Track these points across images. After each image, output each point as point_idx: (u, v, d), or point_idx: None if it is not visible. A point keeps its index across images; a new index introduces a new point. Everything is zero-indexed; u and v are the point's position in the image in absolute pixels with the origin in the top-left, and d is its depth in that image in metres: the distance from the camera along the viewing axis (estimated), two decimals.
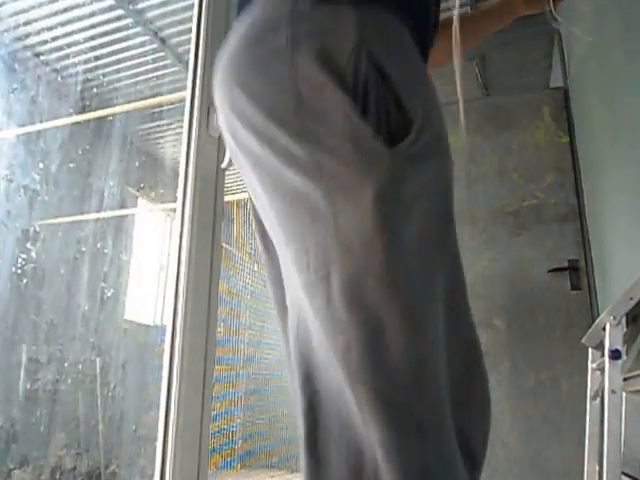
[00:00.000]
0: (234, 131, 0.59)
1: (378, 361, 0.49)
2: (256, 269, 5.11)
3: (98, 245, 4.59)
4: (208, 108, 1.11)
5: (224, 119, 0.61)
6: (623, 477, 1.42)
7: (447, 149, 0.58)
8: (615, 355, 1.27)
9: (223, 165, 1.12)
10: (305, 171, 0.53)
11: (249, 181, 0.61)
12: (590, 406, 1.59)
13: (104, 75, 4.29)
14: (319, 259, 0.51)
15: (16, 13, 3.69)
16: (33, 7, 3.62)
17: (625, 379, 1.38)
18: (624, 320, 1.28)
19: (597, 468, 1.56)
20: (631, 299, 1.24)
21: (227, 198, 4.42)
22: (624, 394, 1.50)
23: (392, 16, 0.58)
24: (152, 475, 0.95)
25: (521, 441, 2.19)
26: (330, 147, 0.52)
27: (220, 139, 1.12)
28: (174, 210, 1.18)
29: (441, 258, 0.55)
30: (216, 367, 1.11)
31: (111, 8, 3.61)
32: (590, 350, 1.62)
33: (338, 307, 0.50)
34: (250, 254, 5.03)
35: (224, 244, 4.45)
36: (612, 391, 1.26)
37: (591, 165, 2.19)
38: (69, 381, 4.16)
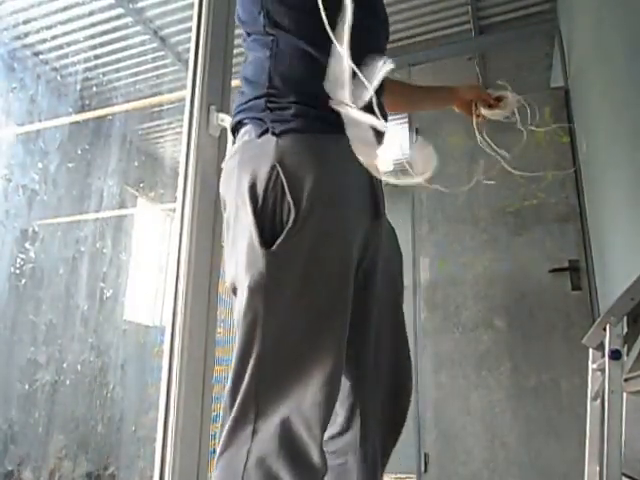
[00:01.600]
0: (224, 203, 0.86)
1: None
2: None
3: (97, 245, 4.59)
4: (208, 108, 1.11)
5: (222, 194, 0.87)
6: (623, 478, 1.41)
7: (334, 237, 0.77)
8: (615, 355, 1.27)
9: (223, 165, 1.12)
10: (230, 257, 0.80)
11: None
12: (590, 407, 1.59)
13: (104, 74, 4.29)
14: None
15: (15, 12, 3.68)
16: (32, 6, 3.61)
17: (626, 379, 1.38)
18: (624, 320, 1.28)
19: (597, 469, 1.56)
20: (632, 299, 1.23)
21: None
22: (625, 394, 1.50)
23: (306, 138, 0.80)
24: (151, 477, 0.94)
25: (521, 441, 2.18)
26: (240, 243, 0.77)
27: (220, 139, 1.12)
28: (174, 210, 1.18)
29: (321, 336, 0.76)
30: (216, 368, 1.10)
31: (110, 7, 3.60)
32: (590, 350, 1.62)
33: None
34: None
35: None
36: (612, 392, 1.26)
37: (592, 165, 2.19)
38: (68, 382, 4.16)
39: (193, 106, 1.10)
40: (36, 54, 4.08)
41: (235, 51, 1.27)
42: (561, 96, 2.61)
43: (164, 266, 5.39)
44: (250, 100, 0.84)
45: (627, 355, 1.32)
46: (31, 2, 3.58)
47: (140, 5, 3.63)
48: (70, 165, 4.47)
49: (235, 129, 0.88)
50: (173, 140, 5.04)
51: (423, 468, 2.35)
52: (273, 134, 0.78)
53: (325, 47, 0.66)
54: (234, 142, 0.88)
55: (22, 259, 4.04)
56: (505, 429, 2.20)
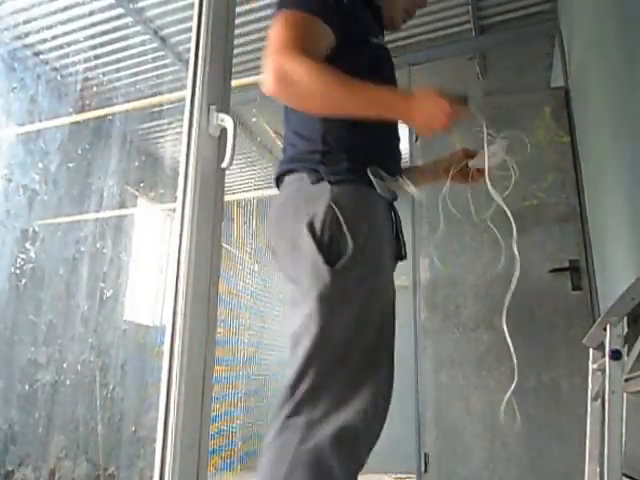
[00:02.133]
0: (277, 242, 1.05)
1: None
2: (256, 269, 5.10)
3: (97, 245, 4.59)
4: (208, 108, 1.10)
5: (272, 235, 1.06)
6: (624, 478, 1.41)
7: (372, 268, 0.95)
8: (616, 356, 1.26)
9: (223, 165, 1.12)
10: (291, 280, 0.97)
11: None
12: (591, 407, 1.59)
13: (104, 74, 4.29)
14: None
15: (16, 12, 3.68)
16: (33, 5, 3.61)
17: (626, 380, 1.38)
18: (625, 320, 1.28)
19: (597, 469, 1.56)
20: (632, 299, 1.23)
21: (227, 198, 4.42)
22: (625, 395, 1.49)
23: (353, 187, 0.98)
24: (151, 477, 0.94)
25: (521, 442, 2.18)
26: (303, 270, 0.93)
27: (220, 139, 1.12)
28: (174, 210, 1.18)
29: (360, 333, 0.92)
30: (216, 368, 1.10)
31: (111, 7, 3.60)
32: (591, 350, 1.61)
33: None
34: (250, 254, 5.03)
35: (224, 244, 4.45)
36: (612, 392, 1.26)
37: (592, 165, 2.19)
38: (68, 382, 4.16)
39: (193, 106, 1.10)
40: (36, 54, 4.08)
41: (235, 51, 1.27)
42: (561, 96, 2.61)
43: (164, 266, 5.39)
44: (304, 153, 1.02)
45: (627, 355, 1.32)
46: (31, 2, 3.58)
47: (140, 5, 3.63)
48: (70, 165, 4.47)
49: (284, 174, 1.04)
50: (173, 140, 5.04)
51: (423, 468, 2.35)
52: (328, 182, 0.96)
53: None
54: (278, 182, 1.06)
55: (22, 259, 4.04)
56: (505, 429, 2.20)
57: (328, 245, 0.91)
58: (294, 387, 0.87)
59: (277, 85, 0.91)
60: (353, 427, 0.84)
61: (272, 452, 0.87)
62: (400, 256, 1.09)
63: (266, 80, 0.91)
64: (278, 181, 1.08)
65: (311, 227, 0.92)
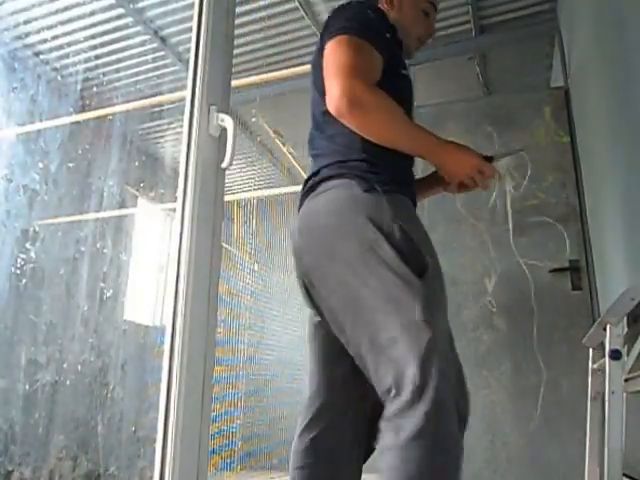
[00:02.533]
0: (322, 265, 1.06)
1: None
2: (256, 269, 5.10)
3: (98, 245, 4.59)
4: (208, 108, 1.10)
5: (309, 250, 1.08)
6: (624, 478, 1.41)
7: (441, 274, 1.04)
8: (615, 355, 1.27)
9: (223, 165, 1.12)
10: (376, 291, 0.97)
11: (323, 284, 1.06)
12: (591, 407, 1.59)
13: (104, 74, 4.29)
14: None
15: (16, 12, 3.68)
16: (33, 6, 3.61)
17: (626, 380, 1.38)
18: (625, 320, 1.28)
19: (598, 469, 1.56)
20: (632, 299, 1.23)
21: (227, 198, 4.42)
22: (624, 395, 1.49)
23: (401, 196, 1.06)
24: (152, 477, 0.94)
25: (522, 441, 2.18)
26: (389, 279, 0.96)
27: (220, 139, 1.12)
28: (174, 210, 1.18)
29: (444, 321, 1.01)
30: (216, 368, 1.09)
31: (111, 7, 3.60)
32: (591, 350, 1.61)
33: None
34: (250, 254, 5.03)
35: (224, 244, 4.44)
36: (612, 392, 1.26)
37: (592, 165, 2.19)
38: (68, 382, 4.16)
39: (193, 106, 1.10)
40: (37, 54, 4.08)
41: (235, 51, 1.27)
42: (561, 96, 2.61)
43: (164, 266, 5.39)
44: (349, 161, 1.06)
45: (627, 355, 1.32)
46: (32, 2, 3.58)
47: (140, 5, 3.63)
48: (70, 165, 4.47)
49: (326, 179, 1.07)
50: (173, 140, 5.04)
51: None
52: (383, 192, 1.02)
53: None
54: (316, 186, 1.09)
55: (23, 259, 4.05)
56: (506, 429, 2.20)
57: (409, 257, 0.97)
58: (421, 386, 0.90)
59: (348, 108, 0.98)
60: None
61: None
62: None
63: (336, 100, 0.99)
64: (314, 186, 1.10)
65: (389, 238, 0.97)
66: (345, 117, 1.00)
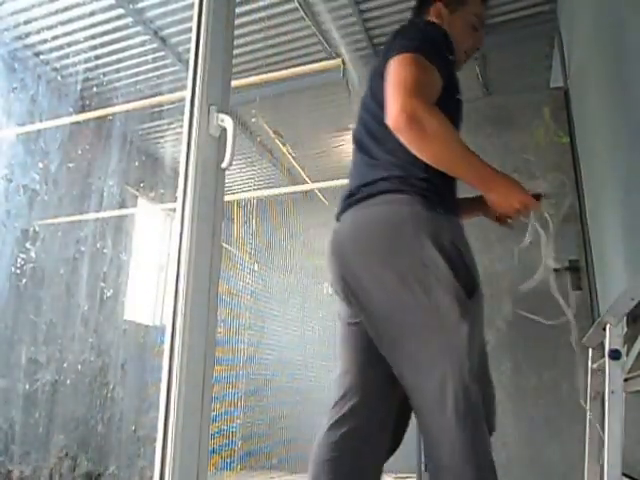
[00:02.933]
0: (371, 273, 1.08)
1: None
2: (256, 269, 5.11)
3: (98, 245, 4.59)
4: (208, 108, 1.11)
5: (358, 269, 1.10)
6: (624, 478, 1.41)
7: (481, 293, 1.11)
8: (615, 355, 1.27)
9: (223, 165, 1.12)
10: (427, 307, 1.02)
11: (368, 293, 1.09)
12: (590, 407, 1.59)
13: (104, 74, 4.29)
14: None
15: (16, 12, 3.68)
16: (33, 6, 3.61)
17: (625, 379, 1.38)
18: (624, 321, 1.28)
19: (598, 469, 1.56)
20: (632, 299, 1.22)
21: (227, 198, 4.42)
22: (624, 395, 1.49)
23: (456, 217, 1.13)
24: (152, 476, 0.94)
25: (522, 441, 2.18)
26: (442, 298, 1.01)
27: (220, 139, 1.12)
28: (174, 210, 1.18)
29: (481, 337, 1.10)
30: (216, 368, 1.09)
31: (111, 7, 3.61)
32: (590, 350, 1.61)
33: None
34: (250, 254, 5.03)
35: (224, 244, 4.44)
36: (612, 392, 1.26)
37: (591, 165, 2.19)
38: (68, 382, 4.16)
39: (193, 106, 1.10)
40: (37, 54, 4.08)
41: (235, 51, 1.27)
42: (561, 96, 2.61)
43: (164, 266, 5.39)
44: (411, 177, 1.07)
45: (627, 355, 1.32)
46: (32, 2, 3.58)
47: (140, 6, 3.63)
48: (70, 165, 4.47)
49: (386, 191, 1.09)
50: (173, 140, 5.04)
51: (423, 468, 2.35)
52: (443, 212, 1.07)
53: None
54: (372, 196, 1.09)
55: (23, 259, 4.05)
56: (506, 429, 2.20)
57: (462, 277, 1.03)
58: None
59: (408, 126, 1.00)
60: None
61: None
62: None
63: (395, 117, 1.01)
64: (370, 195, 1.11)
65: (444, 257, 1.02)
66: (402, 134, 1.01)
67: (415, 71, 1.04)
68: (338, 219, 1.18)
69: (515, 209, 1.11)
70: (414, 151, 1.03)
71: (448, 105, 1.10)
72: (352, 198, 1.15)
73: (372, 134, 1.19)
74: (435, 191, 1.08)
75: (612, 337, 1.28)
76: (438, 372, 0.99)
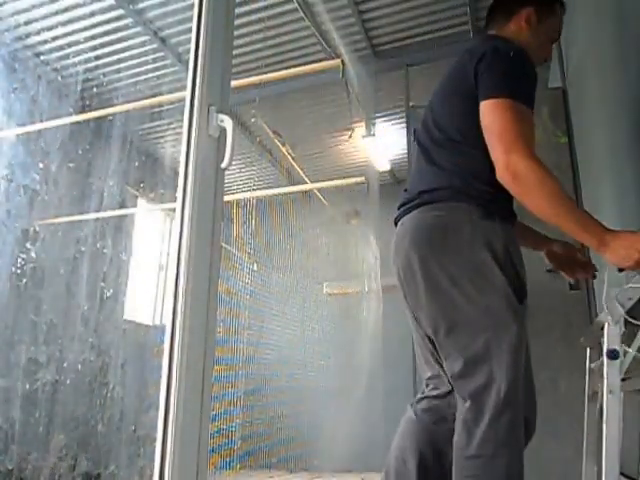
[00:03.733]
0: (427, 270, 1.15)
1: None
2: (255, 269, 5.11)
3: (98, 245, 4.59)
4: (208, 108, 1.11)
5: (417, 267, 1.17)
6: (622, 478, 1.41)
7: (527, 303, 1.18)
8: (613, 355, 1.27)
9: (223, 165, 1.12)
10: (478, 307, 1.10)
11: (419, 293, 1.19)
12: (588, 406, 1.59)
13: (104, 75, 4.29)
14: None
15: (17, 12, 3.69)
16: (34, 7, 3.62)
17: (623, 379, 1.38)
18: (622, 320, 1.28)
19: (595, 469, 1.56)
20: (629, 299, 1.23)
21: (227, 198, 4.42)
22: (622, 394, 1.50)
23: (511, 227, 1.18)
24: (151, 475, 0.95)
25: None
26: (495, 300, 1.10)
27: (220, 139, 1.12)
28: (174, 210, 1.18)
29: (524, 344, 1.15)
30: (215, 367, 1.10)
31: (111, 8, 3.61)
32: (588, 350, 1.62)
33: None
34: (249, 254, 5.04)
35: (224, 244, 4.45)
36: (610, 391, 1.26)
37: (589, 165, 2.19)
38: (68, 381, 4.16)
39: (193, 106, 1.11)
40: (37, 55, 4.09)
41: (235, 52, 1.27)
42: (559, 96, 2.62)
43: (164, 266, 5.39)
44: (472, 188, 1.15)
45: (624, 355, 1.32)
46: (32, 3, 3.59)
47: (140, 6, 3.64)
48: (71, 165, 4.47)
49: (448, 199, 1.16)
50: (173, 140, 5.05)
51: None
52: (498, 221, 1.14)
53: None
54: (434, 201, 1.17)
55: (23, 259, 4.05)
56: None
57: (512, 282, 1.11)
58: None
59: (512, 184, 1.08)
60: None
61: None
62: None
63: (501, 174, 1.09)
64: (432, 201, 1.18)
65: (498, 263, 1.10)
66: (509, 188, 1.09)
67: (513, 121, 1.09)
68: (397, 223, 1.26)
69: (636, 262, 1.04)
70: (519, 200, 1.10)
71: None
72: (412, 203, 1.21)
73: (436, 141, 1.24)
74: (491, 200, 1.14)
75: (610, 337, 1.28)
76: (487, 367, 1.07)
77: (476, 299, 1.10)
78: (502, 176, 1.09)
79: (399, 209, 1.27)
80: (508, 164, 1.06)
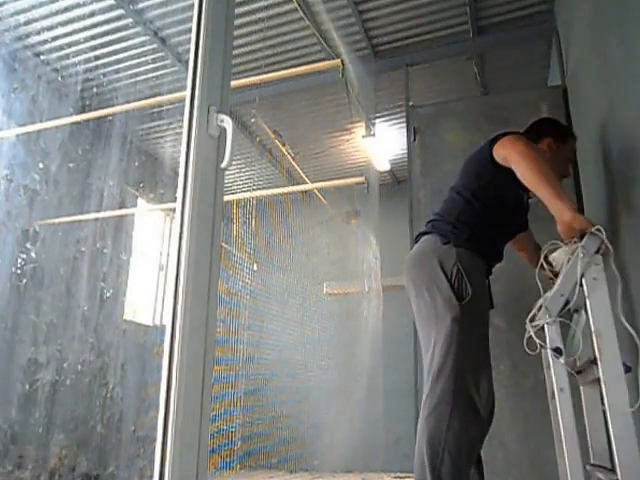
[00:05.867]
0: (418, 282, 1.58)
1: None
2: (255, 269, 5.11)
3: (98, 245, 4.59)
4: (208, 108, 1.11)
5: (414, 277, 1.61)
6: (595, 468, 1.42)
7: (484, 304, 1.57)
8: (557, 353, 1.29)
9: (222, 165, 1.12)
10: (428, 305, 1.52)
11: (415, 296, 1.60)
12: (551, 405, 1.59)
13: (104, 75, 4.29)
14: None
15: (17, 13, 3.69)
16: (34, 7, 3.62)
17: (579, 372, 1.40)
18: (557, 321, 1.30)
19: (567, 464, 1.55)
20: (561, 295, 1.32)
21: (227, 198, 4.42)
22: (582, 388, 1.51)
23: (465, 250, 1.53)
24: (151, 476, 0.95)
25: (520, 441, 2.19)
26: (439, 299, 1.49)
27: (219, 139, 1.12)
28: (174, 210, 1.18)
29: (482, 346, 1.52)
30: (215, 367, 1.10)
31: (111, 8, 3.61)
32: (542, 351, 1.59)
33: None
34: (249, 254, 5.04)
35: (224, 244, 4.45)
36: (561, 389, 1.28)
37: (589, 163, 2.19)
38: (68, 382, 4.16)
39: (193, 107, 1.10)
40: (37, 55, 4.09)
41: (235, 52, 1.27)
42: (559, 94, 2.62)
43: (164, 266, 5.40)
44: (445, 223, 1.60)
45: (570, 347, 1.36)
46: (32, 3, 3.59)
47: (140, 6, 3.64)
48: (71, 165, 4.47)
49: (427, 232, 1.64)
50: (173, 140, 5.05)
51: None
52: (454, 245, 1.52)
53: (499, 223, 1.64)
54: (425, 234, 1.64)
55: (23, 259, 4.05)
56: (504, 429, 2.20)
57: (456, 289, 1.46)
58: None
59: (528, 162, 1.49)
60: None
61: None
62: (492, 304, 1.65)
63: (517, 156, 1.51)
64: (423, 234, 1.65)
65: (444, 274, 1.48)
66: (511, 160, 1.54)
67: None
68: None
69: (572, 237, 1.39)
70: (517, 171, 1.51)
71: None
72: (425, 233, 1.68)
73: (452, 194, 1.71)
74: (456, 232, 1.55)
75: (551, 335, 1.31)
76: (435, 350, 1.45)
77: (428, 301, 1.52)
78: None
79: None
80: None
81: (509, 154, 1.53)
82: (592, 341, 1.24)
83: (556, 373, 1.30)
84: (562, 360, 1.29)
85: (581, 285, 1.28)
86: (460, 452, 1.36)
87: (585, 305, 1.28)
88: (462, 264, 1.49)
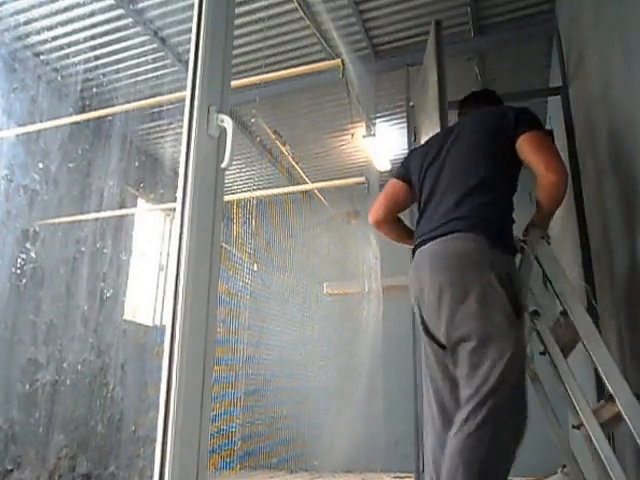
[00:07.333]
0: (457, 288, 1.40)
1: None
2: (255, 269, 5.11)
3: (97, 245, 4.59)
4: (208, 108, 1.11)
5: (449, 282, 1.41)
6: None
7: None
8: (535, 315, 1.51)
9: (222, 165, 1.12)
10: (484, 319, 1.35)
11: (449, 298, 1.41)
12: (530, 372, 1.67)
13: (104, 75, 4.29)
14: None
15: (16, 12, 3.69)
16: (33, 6, 3.62)
17: (542, 353, 1.55)
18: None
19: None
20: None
21: (227, 198, 4.42)
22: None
23: (512, 257, 1.43)
24: (151, 476, 0.95)
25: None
26: (497, 315, 1.34)
27: (219, 139, 1.12)
28: (174, 210, 1.18)
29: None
30: (215, 367, 1.10)
31: (111, 8, 3.61)
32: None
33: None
34: (249, 254, 5.04)
35: (224, 244, 4.45)
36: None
37: (590, 163, 2.19)
38: (68, 382, 4.16)
39: (193, 107, 1.10)
40: (37, 55, 4.09)
41: (235, 52, 1.27)
42: (559, 95, 2.62)
43: (164, 266, 5.39)
44: (490, 225, 1.42)
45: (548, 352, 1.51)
46: (32, 3, 3.59)
47: (140, 6, 3.64)
48: (71, 165, 4.47)
49: (470, 230, 1.43)
50: (173, 140, 5.05)
51: (422, 468, 2.35)
52: (501, 251, 1.39)
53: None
54: (461, 231, 1.42)
55: (23, 259, 4.05)
56: None
57: (513, 301, 1.35)
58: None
59: (563, 188, 1.42)
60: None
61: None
62: None
63: (557, 180, 1.42)
64: (461, 230, 1.43)
65: (502, 283, 1.34)
66: (560, 187, 1.43)
67: (555, 151, 1.49)
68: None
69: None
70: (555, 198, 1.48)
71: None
72: (448, 228, 1.48)
73: (469, 181, 1.56)
74: (503, 235, 1.42)
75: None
76: (493, 370, 1.31)
77: (482, 311, 1.36)
78: (560, 184, 1.44)
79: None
80: (563, 179, 1.43)
81: (547, 166, 1.42)
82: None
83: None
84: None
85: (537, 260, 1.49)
86: (503, 473, 1.29)
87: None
88: (512, 275, 1.37)
